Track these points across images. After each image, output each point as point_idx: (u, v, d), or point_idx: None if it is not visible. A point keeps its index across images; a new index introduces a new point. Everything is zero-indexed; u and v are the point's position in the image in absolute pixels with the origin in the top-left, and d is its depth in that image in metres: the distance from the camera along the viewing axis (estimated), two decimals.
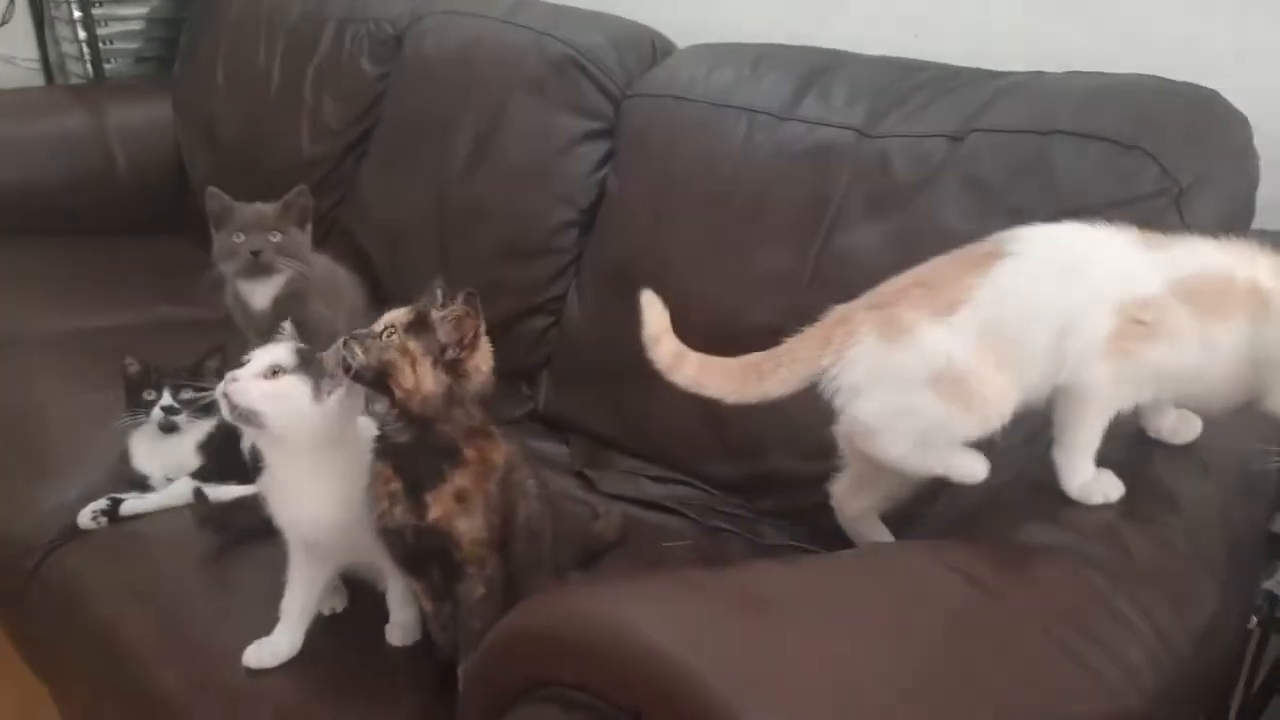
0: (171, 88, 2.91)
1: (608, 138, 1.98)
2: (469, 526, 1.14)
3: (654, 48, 2.03)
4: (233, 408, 1.17)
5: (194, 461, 1.63)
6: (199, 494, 1.53)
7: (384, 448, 1.16)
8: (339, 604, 1.35)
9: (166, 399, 1.62)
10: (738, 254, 1.67)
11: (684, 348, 1.22)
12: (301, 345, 1.23)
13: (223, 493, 1.56)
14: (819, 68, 1.73)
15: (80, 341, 2.11)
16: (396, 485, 1.15)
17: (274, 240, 1.77)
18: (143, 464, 1.64)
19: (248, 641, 1.27)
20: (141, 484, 1.63)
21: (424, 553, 1.16)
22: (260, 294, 1.82)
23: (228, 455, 1.62)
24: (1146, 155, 1.30)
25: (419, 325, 1.13)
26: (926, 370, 1.07)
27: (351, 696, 1.23)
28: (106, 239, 2.66)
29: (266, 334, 1.85)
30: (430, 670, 1.24)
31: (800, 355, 1.15)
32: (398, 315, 1.14)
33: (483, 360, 1.16)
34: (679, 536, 1.54)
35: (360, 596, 1.36)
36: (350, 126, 2.48)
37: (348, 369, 1.12)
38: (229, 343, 1.71)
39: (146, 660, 1.35)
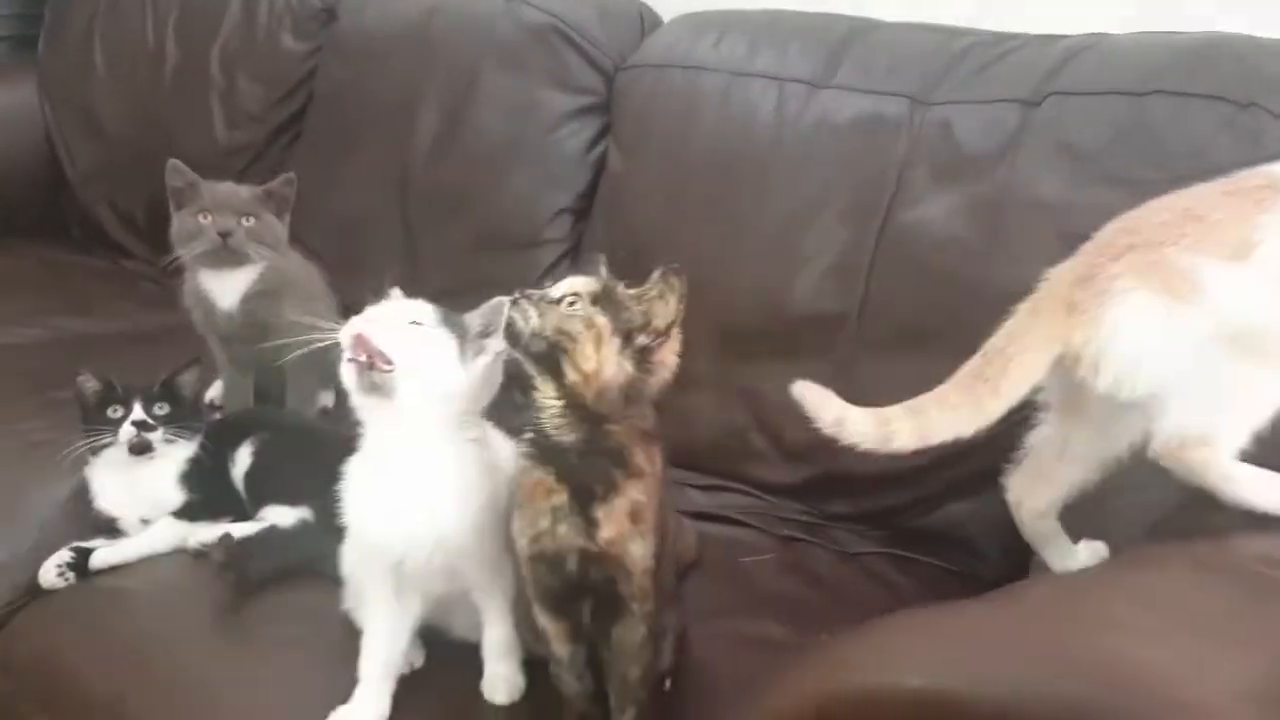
0: (36, 68, 2.53)
1: (601, 114, 1.80)
2: (642, 553, 0.94)
3: (641, 19, 1.86)
4: (363, 352, 0.96)
5: (174, 497, 1.36)
6: (226, 537, 1.26)
7: (541, 450, 0.94)
8: (418, 659, 1.12)
9: (138, 413, 1.34)
10: (780, 235, 1.53)
11: (875, 409, 1.01)
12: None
13: (220, 534, 1.30)
14: (846, 34, 1.60)
15: None
16: (561, 498, 0.93)
17: (246, 224, 1.51)
18: (110, 503, 1.36)
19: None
20: (108, 528, 1.36)
21: (583, 584, 0.96)
22: (228, 289, 1.56)
23: (214, 487, 1.37)
24: (1265, 112, 1.23)
25: (606, 299, 0.93)
26: (1227, 327, 0.89)
27: None
28: None
29: (232, 340, 1.60)
30: None
31: (1033, 340, 0.96)
32: (580, 283, 0.94)
33: (671, 354, 0.97)
34: (754, 551, 1.38)
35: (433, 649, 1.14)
36: (273, 110, 2.21)
37: (513, 335, 0.91)
38: (202, 356, 1.45)
39: None
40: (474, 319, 1.02)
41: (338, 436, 1.47)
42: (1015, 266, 1.32)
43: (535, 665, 1.08)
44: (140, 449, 1.34)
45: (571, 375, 0.91)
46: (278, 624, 1.19)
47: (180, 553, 1.32)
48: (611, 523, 0.93)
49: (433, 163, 1.89)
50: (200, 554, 1.29)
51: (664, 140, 1.68)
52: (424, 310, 1.02)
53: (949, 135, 1.44)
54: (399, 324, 1.00)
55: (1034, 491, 1.07)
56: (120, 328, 1.96)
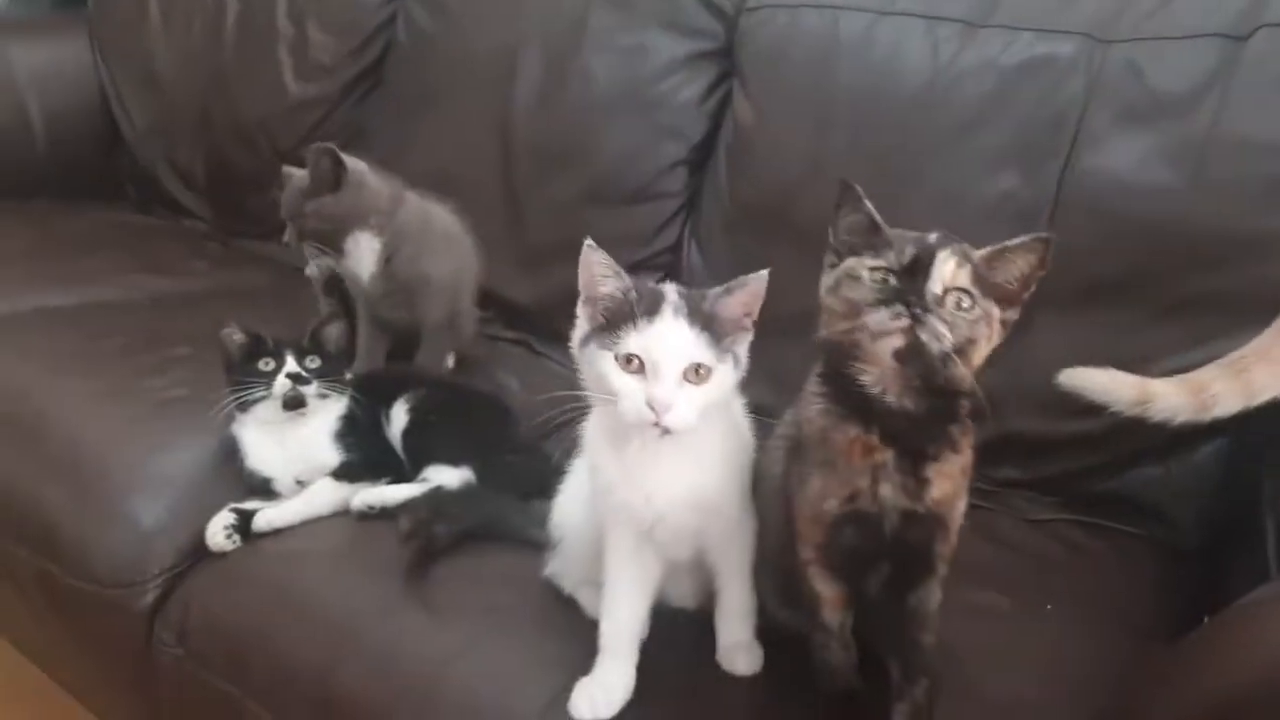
0: (88, 22, 2.40)
1: (718, 59, 1.69)
2: (962, 511, 0.88)
3: None
4: (664, 433, 0.87)
5: (329, 456, 1.27)
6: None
7: (860, 409, 0.85)
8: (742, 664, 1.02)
9: (291, 365, 1.25)
10: (945, 184, 1.42)
11: (1182, 378, 0.94)
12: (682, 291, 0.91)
13: (387, 495, 1.22)
14: None
15: (52, 322, 1.65)
16: (885, 456, 0.85)
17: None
18: (263, 463, 1.27)
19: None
20: (263, 488, 1.27)
21: (895, 546, 0.87)
22: (361, 262, 1.50)
23: (370, 446, 1.29)
24: None
25: (983, 282, 0.84)
26: None
27: None
28: (28, 206, 2.15)
29: (381, 303, 1.53)
30: (811, 706, 0.95)
31: None
32: (953, 272, 0.82)
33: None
34: None
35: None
36: (347, 61, 2.09)
37: (918, 355, 0.81)
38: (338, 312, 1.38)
39: None
40: (731, 304, 0.90)
41: (491, 397, 1.44)
42: (1220, 213, 1.25)
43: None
44: (294, 404, 1.26)
45: (959, 372, 0.82)
46: (474, 590, 1.10)
47: (341, 514, 1.24)
48: (944, 481, 0.86)
49: (536, 113, 1.78)
50: (366, 515, 1.21)
51: (800, 88, 1.56)
52: (693, 339, 0.88)
53: (1139, 75, 1.32)
54: (684, 382, 0.88)
55: None
56: (204, 286, 1.86)
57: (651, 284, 0.92)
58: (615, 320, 0.88)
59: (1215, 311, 1.24)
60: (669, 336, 0.86)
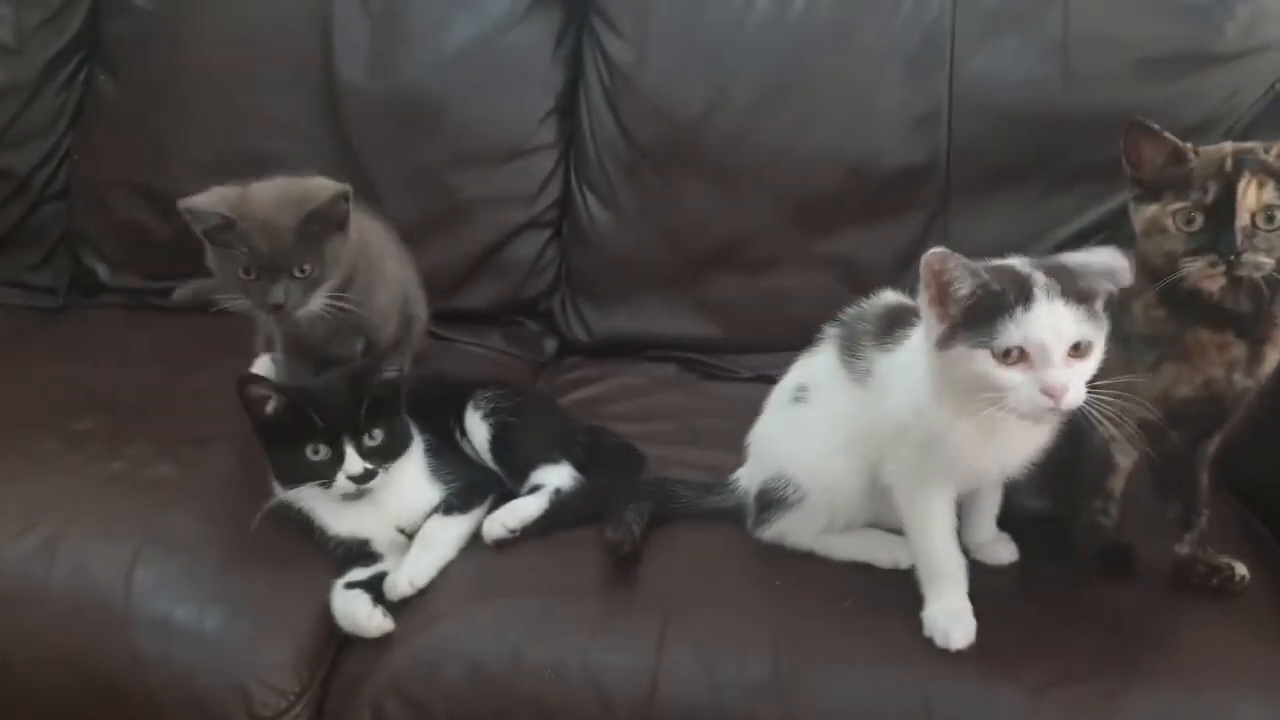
0: None
1: (563, 1, 1.62)
2: None
3: None
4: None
5: (429, 495, 1.12)
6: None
7: (1211, 316, 0.95)
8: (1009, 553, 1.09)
9: (353, 461, 1.05)
10: (846, 98, 1.52)
11: None
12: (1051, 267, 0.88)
13: (520, 513, 1.10)
14: None
15: None
16: (1239, 350, 0.96)
17: (301, 276, 1.16)
18: (352, 528, 1.09)
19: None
20: (360, 553, 1.09)
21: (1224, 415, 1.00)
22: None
23: (462, 466, 1.16)
24: None
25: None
26: None
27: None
28: None
29: (315, 345, 1.28)
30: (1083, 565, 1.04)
31: None
32: (1253, 198, 0.90)
33: None
34: None
35: None
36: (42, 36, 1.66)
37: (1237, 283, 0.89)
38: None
39: None
40: (1095, 270, 0.89)
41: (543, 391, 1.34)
42: (1090, 99, 1.50)
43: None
44: (360, 494, 1.06)
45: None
46: (709, 579, 1.05)
47: None
48: (1274, 353, 0.97)
49: (373, 76, 1.58)
50: (504, 540, 1.08)
51: (673, 23, 1.57)
52: (1073, 318, 0.86)
53: None
54: (1070, 359, 0.87)
55: None
56: None
57: (1007, 267, 0.89)
58: (980, 316, 0.86)
59: (1098, 181, 1.50)
60: (1052, 321, 0.85)
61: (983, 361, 0.86)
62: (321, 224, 1.15)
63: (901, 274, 1.45)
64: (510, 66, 1.61)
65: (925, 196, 1.53)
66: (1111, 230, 1.49)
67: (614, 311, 1.61)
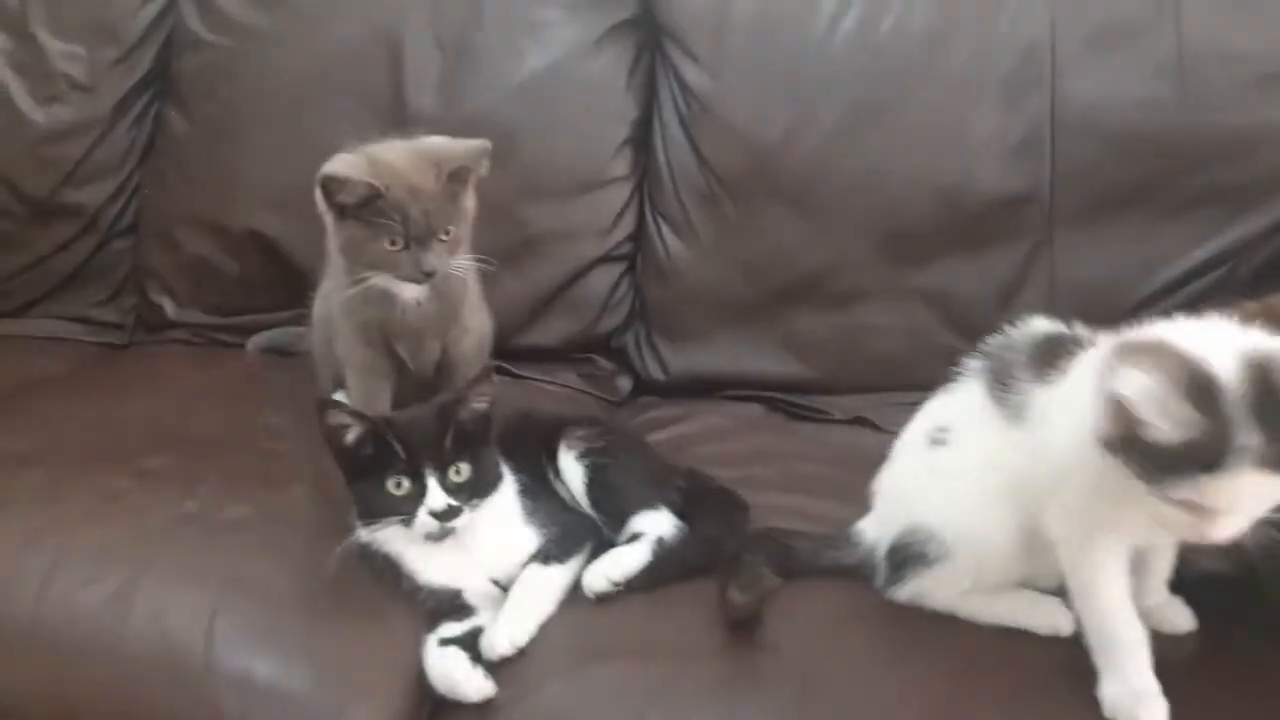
0: None
1: (636, 29, 1.57)
2: None
3: None
4: None
5: (527, 541, 1.03)
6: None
7: None
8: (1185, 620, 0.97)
9: (435, 496, 0.97)
10: (940, 122, 1.43)
11: None
12: None
13: (625, 564, 1.01)
14: None
15: None
16: None
17: (447, 238, 1.15)
18: (449, 576, 1.01)
19: None
20: (452, 606, 1.00)
21: None
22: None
23: (559, 510, 1.08)
24: None
25: None
26: None
27: None
28: None
29: (409, 337, 1.25)
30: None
31: None
32: None
33: None
34: None
35: None
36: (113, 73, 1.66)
37: None
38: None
39: None
40: None
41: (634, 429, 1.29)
42: (1204, 119, 1.39)
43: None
44: (444, 534, 0.98)
45: None
46: (898, 648, 0.96)
47: None
48: None
49: (442, 104, 1.54)
50: (607, 595, 0.99)
51: (751, 47, 1.49)
52: (1270, 488, 0.76)
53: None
54: None
55: None
56: None
57: (1217, 417, 0.73)
58: (1162, 460, 0.74)
59: (1216, 208, 1.38)
60: (1238, 495, 0.74)
61: (1146, 491, 0.77)
62: (461, 183, 1.12)
63: (1003, 308, 1.37)
64: (582, 97, 1.55)
65: (1027, 226, 1.43)
66: (1234, 263, 1.39)
67: (691, 349, 1.52)
